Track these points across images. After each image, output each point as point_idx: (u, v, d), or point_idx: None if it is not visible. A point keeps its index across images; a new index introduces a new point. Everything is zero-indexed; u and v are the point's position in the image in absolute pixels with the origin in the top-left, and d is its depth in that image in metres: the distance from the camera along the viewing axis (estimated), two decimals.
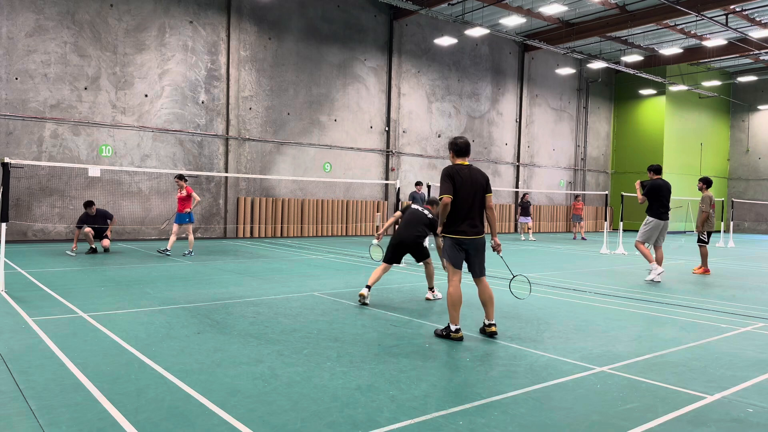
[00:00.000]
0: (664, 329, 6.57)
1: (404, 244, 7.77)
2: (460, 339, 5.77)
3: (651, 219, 10.39)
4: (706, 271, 11.94)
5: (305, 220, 20.22)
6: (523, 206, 21.46)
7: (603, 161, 31.79)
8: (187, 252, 13.07)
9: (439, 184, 6.03)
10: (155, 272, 10.15)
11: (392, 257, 7.83)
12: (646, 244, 10.54)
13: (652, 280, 10.26)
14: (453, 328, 5.79)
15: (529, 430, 3.59)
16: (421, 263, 8.04)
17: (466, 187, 5.81)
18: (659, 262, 10.42)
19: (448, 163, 27.93)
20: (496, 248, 6.10)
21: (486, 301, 5.98)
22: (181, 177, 13.06)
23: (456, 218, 5.84)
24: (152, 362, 4.75)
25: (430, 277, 8.10)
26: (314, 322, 6.41)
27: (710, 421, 3.79)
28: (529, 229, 21.56)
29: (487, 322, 6.00)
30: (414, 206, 8.05)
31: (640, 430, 3.62)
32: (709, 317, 7.33)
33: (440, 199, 5.86)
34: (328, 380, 4.41)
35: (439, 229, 6.04)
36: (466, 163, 6.00)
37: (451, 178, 5.81)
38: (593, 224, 30.43)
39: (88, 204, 13.12)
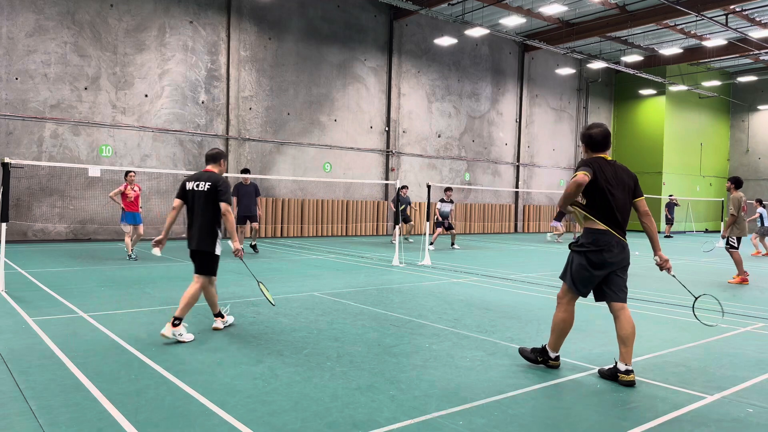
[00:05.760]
0: (664, 329, 6.58)
1: None
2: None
3: None
4: (744, 281, 10.58)
5: (305, 220, 20.22)
6: (561, 211, 21.52)
7: None
8: (134, 256, 11.93)
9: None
10: (155, 272, 10.15)
11: None
12: None
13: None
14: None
15: (528, 430, 3.59)
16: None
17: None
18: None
19: (448, 162, 27.48)
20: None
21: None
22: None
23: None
24: (152, 362, 4.75)
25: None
26: (314, 322, 6.41)
27: (710, 421, 3.79)
28: (557, 232, 21.62)
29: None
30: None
31: (640, 430, 3.62)
32: (709, 317, 7.32)
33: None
34: (328, 380, 4.40)
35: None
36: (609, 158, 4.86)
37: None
38: None
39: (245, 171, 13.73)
